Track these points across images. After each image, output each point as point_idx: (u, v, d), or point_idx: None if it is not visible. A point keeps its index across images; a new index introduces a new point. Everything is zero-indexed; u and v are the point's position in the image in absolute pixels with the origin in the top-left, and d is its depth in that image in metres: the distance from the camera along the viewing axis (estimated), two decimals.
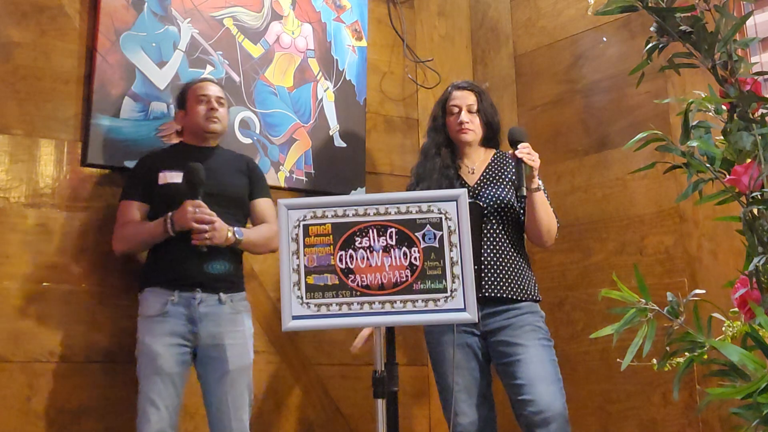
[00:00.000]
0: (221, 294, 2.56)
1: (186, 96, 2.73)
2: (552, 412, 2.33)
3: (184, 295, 2.52)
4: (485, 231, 2.53)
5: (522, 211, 2.58)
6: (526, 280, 2.54)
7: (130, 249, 2.64)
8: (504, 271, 2.50)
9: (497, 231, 2.54)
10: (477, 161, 2.67)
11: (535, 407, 2.34)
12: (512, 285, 2.49)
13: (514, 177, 2.54)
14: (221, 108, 2.71)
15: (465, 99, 2.65)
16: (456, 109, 2.65)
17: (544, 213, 2.50)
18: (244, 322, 2.61)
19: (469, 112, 2.64)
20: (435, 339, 2.57)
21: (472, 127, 2.63)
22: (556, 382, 2.41)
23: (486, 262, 2.50)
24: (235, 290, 2.62)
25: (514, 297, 2.49)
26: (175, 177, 2.57)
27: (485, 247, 2.52)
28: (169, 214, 2.48)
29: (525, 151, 2.41)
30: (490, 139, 2.71)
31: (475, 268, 2.44)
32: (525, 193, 2.39)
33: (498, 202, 2.54)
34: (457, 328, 2.47)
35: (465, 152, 2.68)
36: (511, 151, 2.45)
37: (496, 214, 2.54)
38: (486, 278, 2.49)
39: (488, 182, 2.60)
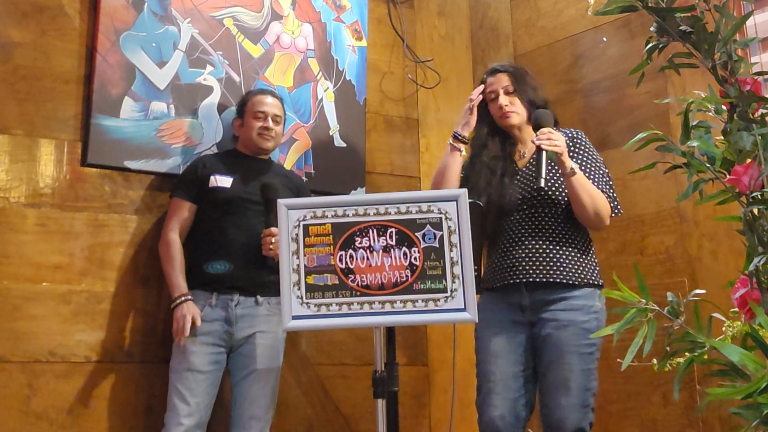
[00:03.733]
0: (258, 296, 2.63)
1: (245, 107, 2.83)
2: (566, 427, 2.24)
3: (222, 298, 2.60)
4: (529, 217, 2.41)
5: (562, 194, 2.42)
6: (579, 264, 2.39)
7: (161, 261, 2.68)
8: (550, 256, 2.37)
9: (542, 216, 2.41)
10: (529, 143, 2.49)
11: (550, 418, 2.27)
12: (560, 269, 2.36)
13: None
14: (277, 126, 2.81)
15: (500, 82, 2.52)
16: (493, 95, 2.53)
17: (586, 195, 2.32)
18: (278, 325, 2.64)
19: (507, 94, 2.51)
20: (480, 325, 2.43)
21: (513, 109, 2.50)
22: (580, 393, 2.27)
23: (531, 248, 2.37)
24: (273, 294, 2.65)
25: (566, 281, 2.34)
26: (224, 182, 2.70)
27: (529, 233, 2.39)
28: (179, 303, 2.54)
29: (543, 138, 2.26)
30: None
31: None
32: (542, 184, 2.24)
33: (537, 188, 2.38)
34: (505, 317, 2.37)
35: (517, 136, 2.54)
36: (532, 140, 2.32)
37: (539, 199, 2.40)
38: (532, 264, 2.36)
39: (533, 166, 2.45)
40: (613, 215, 2.43)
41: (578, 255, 2.41)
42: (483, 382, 2.38)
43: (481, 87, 2.56)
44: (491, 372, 2.35)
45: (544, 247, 2.39)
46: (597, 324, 2.33)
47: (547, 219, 2.42)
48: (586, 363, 2.31)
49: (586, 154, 2.46)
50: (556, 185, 2.42)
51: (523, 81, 2.54)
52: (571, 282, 2.35)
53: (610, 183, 2.46)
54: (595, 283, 2.40)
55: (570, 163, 2.32)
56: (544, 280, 2.35)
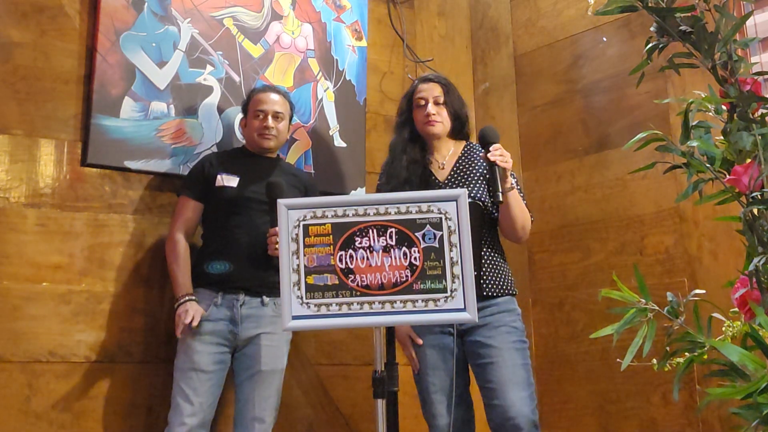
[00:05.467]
0: (264, 297, 2.61)
1: (248, 105, 2.81)
2: (521, 419, 2.30)
3: (227, 297, 2.58)
4: None
5: (494, 207, 2.53)
6: (501, 274, 2.51)
7: (166, 260, 2.67)
8: (477, 268, 2.45)
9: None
10: (447, 155, 2.62)
11: (506, 413, 2.31)
12: (486, 281, 2.46)
13: (485, 174, 2.51)
14: (279, 123, 2.78)
15: (431, 91, 2.61)
16: (422, 102, 2.60)
17: (519, 211, 2.45)
18: None
19: (436, 104, 2.59)
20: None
21: (439, 119, 2.59)
22: (527, 387, 2.37)
23: None
24: (280, 295, 2.64)
25: (490, 293, 2.45)
26: (231, 181, 2.68)
27: None
28: (182, 302, 2.53)
29: (497, 153, 2.33)
30: (458, 132, 2.66)
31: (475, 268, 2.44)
32: (500, 199, 2.32)
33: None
34: (432, 329, 2.45)
35: (434, 146, 2.63)
36: (482, 153, 2.40)
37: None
38: None
39: (458, 178, 2.56)
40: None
41: (501, 263, 2.54)
42: (426, 394, 2.47)
43: None
44: (432, 383, 2.45)
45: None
46: (521, 325, 2.48)
47: (472, 231, 2.48)
48: (524, 358, 2.43)
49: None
50: (483, 198, 2.51)
51: (452, 95, 2.64)
52: (492, 294, 2.46)
53: (526, 201, 2.57)
54: (512, 292, 2.53)
55: (511, 180, 2.42)
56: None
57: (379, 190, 2.66)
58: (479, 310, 2.39)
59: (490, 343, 2.40)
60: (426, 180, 2.56)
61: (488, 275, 2.48)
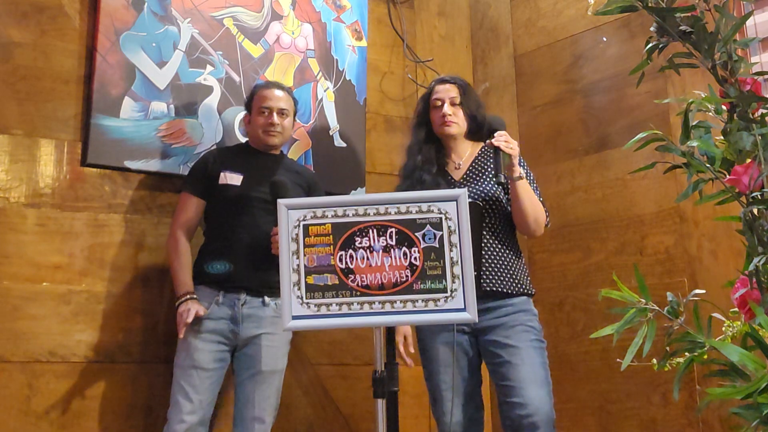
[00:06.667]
0: (266, 297, 2.61)
1: (252, 102, 2.79)
2: (540, 417, 2.29)
3: (229, 296, 2.57)
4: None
5: (508, 203, 2.53)
6: (517, 273, 2.50)
7: (168, 258, 2.67)
8: (492, 264, 2.46)
9: (483, 225, 2.49)
10: (464, 156, 2.63)
11: (524, 411, 2.30)
12: (501, 278, 2.45)
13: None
14: (284, 119, 2.75)
15: (447, 92, 2.62)
16: (439, 103, 2.62)
17: (529, 202, 2.45)
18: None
19: (452, 105, 2.60)
20: (426, 337, 2.54)
21: (455, 120, 2.60)
22: (546, 385, 2.37)
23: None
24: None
25: (505, 291, 2.44)
26: (234, 179, 2.66)
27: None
28: (183, 300, 2.52)
29: (502, 139, 2.37)
30: (476, 133, 2.66)
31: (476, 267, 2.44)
32: (502, 180, 2.35)
33: (482, 196, 2.50)
34: (446, 326, 2.44)
35: (451, 147, 2.64)
36: (488, 141, 2.42)
37: (485, 208, 2.50)
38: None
39: (473, 177, 2.57)
40: (546, 226, 2.55)
41: (516, 261, 2.53)
42: (436, 391, 2.47)
43: None
44: (443, 381, 2.45)
45: (488, 255, 2.47)
46: (539, 325, 2.47)
47: (487, 228, 2.51)
48: (542, 357, 2.42)
49: (524, 167, 2.56)
50: (498, 193, 2.51)
51: (469, 96, 2.65)
52: (507, 291, 2.45)
53: (542, 198, 2.57)
54: (529, 292, 2.51)
55: (519, 169, 2.43)
56: (489, 288, 2.43)
57: (399, 190, 2.65)
58: (493, 309, 2.42)
59: (507, 342, 2.39)
60: (442, 179, 2.56)
61: (492, 271, 2.45)
